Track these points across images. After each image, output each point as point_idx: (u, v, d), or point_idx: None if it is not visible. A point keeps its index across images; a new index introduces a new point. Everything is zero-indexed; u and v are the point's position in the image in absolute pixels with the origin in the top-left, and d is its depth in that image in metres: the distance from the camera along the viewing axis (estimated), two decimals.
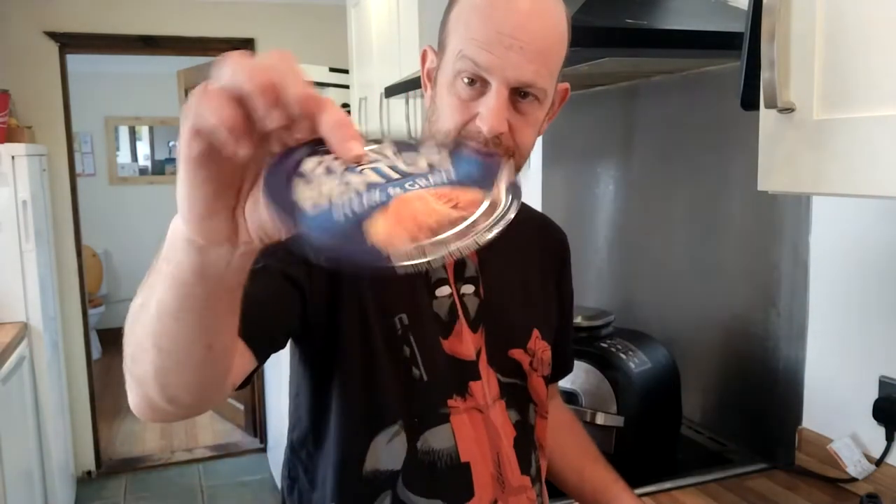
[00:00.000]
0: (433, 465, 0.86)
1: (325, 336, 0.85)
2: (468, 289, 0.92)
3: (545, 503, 1.00)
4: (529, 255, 1.01)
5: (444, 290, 0.89)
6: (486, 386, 0.91)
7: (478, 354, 0.91)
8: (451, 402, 0.88)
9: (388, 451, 0.86)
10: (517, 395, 0.95)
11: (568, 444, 1.12)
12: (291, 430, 0.94)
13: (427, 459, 0.86)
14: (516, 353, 0.95)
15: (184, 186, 0.45)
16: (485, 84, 0.80)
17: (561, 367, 1.10)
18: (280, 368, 3.11)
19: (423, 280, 0.88)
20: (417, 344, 0.86)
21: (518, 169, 0.85)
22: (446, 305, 0.89)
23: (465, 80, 0.80)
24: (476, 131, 0.81)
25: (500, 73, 0.79)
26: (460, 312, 0.90)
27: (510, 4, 0.79)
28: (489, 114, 0.79)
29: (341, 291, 0.83)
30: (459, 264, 0.92)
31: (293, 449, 0.94)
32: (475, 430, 0.89)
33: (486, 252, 0.92)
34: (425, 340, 0.87)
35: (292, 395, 0.94)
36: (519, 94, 0.81)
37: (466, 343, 0.90)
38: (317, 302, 0.82)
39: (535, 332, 0.97)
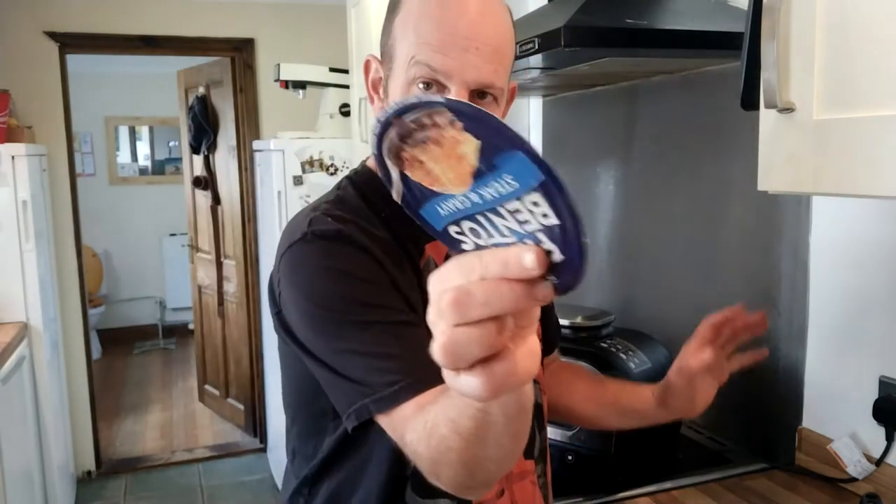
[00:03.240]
0: None
1: None
2: None
3: (548, 480, 1.01)
4: None
5: None
6: None
7: None
8: None
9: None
10: None
11: (577, 387, 1.13)
12: (311, 457, 0.93)
13: None
14: None
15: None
16: (442, 88, 0.79)
17: (552, 340, 1.11)
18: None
19: (422, 287, 0.87)
20: None
21: None
22: None
23: (421, 86, 0.79)
24: None
25: (460, 76, 0.78)
26: None
27: (461, 6, 0.78)
28: None
29: None
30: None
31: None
32: None
33: None
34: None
35: (315, 429, 0.92)
36: (477, 96, 0.80)
37: None
38: None
39: None
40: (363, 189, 0.90)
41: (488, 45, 0.78)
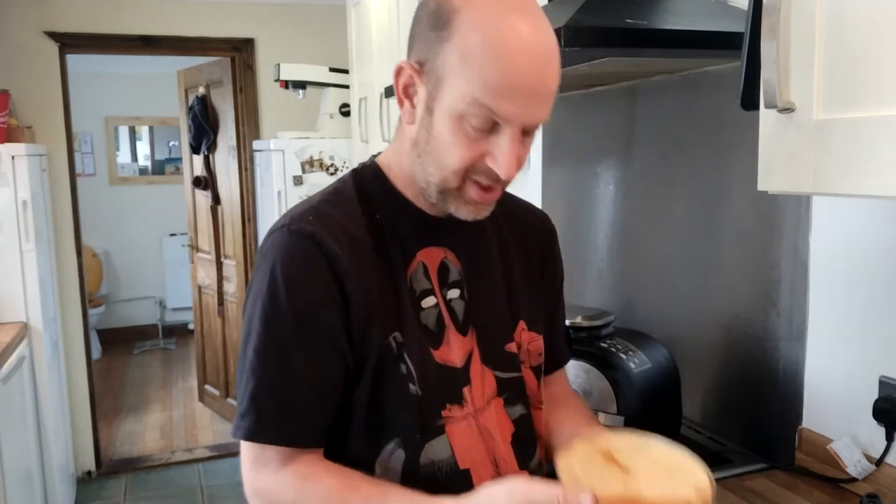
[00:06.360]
0: (434, 476, 0.87)
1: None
2: (454, 293, 0.92)
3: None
4: (509, 245, 1.00)
5: (429, 301, 0.90)
6: (481, 387, 0.92)
7: (469, 357, 0.91)
8: (445, 413, 0.88)
9: (386, 469, 0.87)
10: (519, 389, 0.96)
11: (562, 418, 1.06)
12: None
13: (428, 472, 0.87)
14: (511, 347, 0.96)
15: None
16: (497, 127, 0.78)
17: (557, 356, 1.09)
18: None
19: (409, 293, 0.88)
20: (411, 359, 0.86)
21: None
22: (433, 315, 0.90)
23: (475, 123, 0.78)
24: (487, 170, 0.80)
25: (519, 121, 0.78)
26: (447, 320, 0.90)
27: (528, 50, 0.76)
28: (507, 159, 0.78)
29: (364, 331, 0.86)
30: (443, 270, 0.91)
31: None
32: (471, 435, 0.90)
33: (467, 253, 0.93)
34: (418, 354, 0.87)
35: None
36: (524, 132, 0.80)
37: (455, 350, 0.90)
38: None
39: (521, 324, 0.98)
40: (365, 186, 0.90)
41: (548, 89, 0.78)
